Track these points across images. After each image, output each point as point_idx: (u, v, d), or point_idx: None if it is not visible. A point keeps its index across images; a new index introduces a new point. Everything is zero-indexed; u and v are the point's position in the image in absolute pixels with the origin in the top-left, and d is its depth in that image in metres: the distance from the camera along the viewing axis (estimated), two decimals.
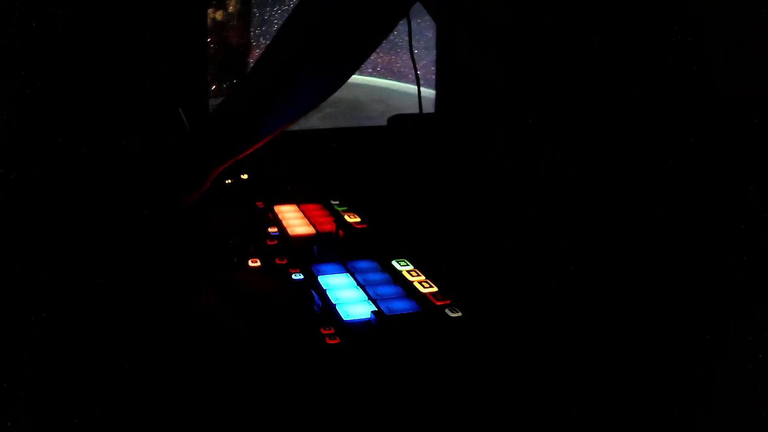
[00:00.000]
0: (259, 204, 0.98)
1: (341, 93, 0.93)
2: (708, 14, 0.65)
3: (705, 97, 0.66)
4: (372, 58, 0.94)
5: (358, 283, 0.72)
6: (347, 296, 0.69)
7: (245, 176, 1.08)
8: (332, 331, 0.62)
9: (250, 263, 0.77)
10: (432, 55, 1.52)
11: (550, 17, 0.72)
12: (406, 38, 1.21)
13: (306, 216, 0.94)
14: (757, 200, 0.63)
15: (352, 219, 0.89)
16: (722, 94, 0.65)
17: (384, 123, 1.36)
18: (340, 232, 0.87)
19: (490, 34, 0.78)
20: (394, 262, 0.77)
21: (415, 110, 1.29)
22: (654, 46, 0.68)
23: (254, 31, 1.46)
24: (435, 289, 0.71)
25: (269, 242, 0.83)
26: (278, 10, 1.50)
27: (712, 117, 0.66)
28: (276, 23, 1.44)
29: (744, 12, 0.63)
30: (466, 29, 0.81)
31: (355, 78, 0.98)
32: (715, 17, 0.65)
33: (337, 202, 0.97)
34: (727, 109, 0.65)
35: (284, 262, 0.78)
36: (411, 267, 0.76)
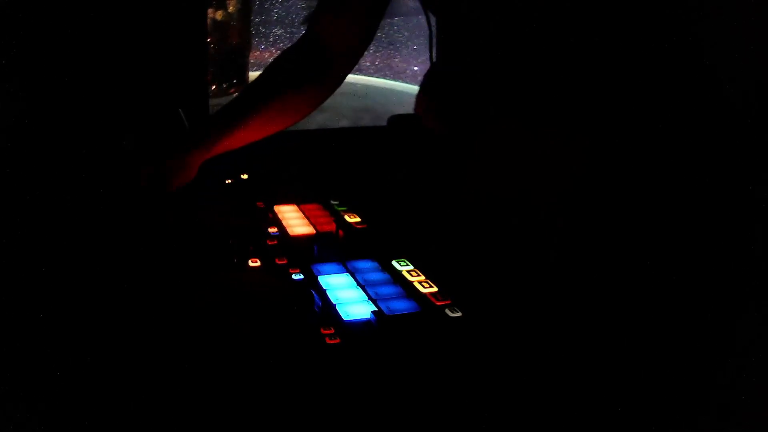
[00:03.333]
0: (259, 204, 0.98)
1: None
2: (708, 14, 0.65)
3: (705, 97, 0.66)
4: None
5: (358, 283, 0.72)
6: (347, 296, 0.69)
7: (245, 176, 1.08)
8: (332, 331, 0.62)
9: (250, 263, 0.77)
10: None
11: (551, 18, 0.72)
12: (406, 34, 1.21)
13: (306, 216, 0.94)
14: (758, 199, 0.63)
15: (352, 219, 0.89)
16: (722, 94, 0.65)
17: (384, 123, 1.36)
18: (340, 232, 0.87)
19: (486, 36, 0.78)
20: (394, 262, 0.77)
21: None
22: (655, 46, 0.68)
23: (254, 19, 1.46)
24: (435, 289, 0.71)
25: (269, 242, 0.83)
26: None
27: (712, 117, 0.66)
28: (276, 12, 1.44)
29: (744, 12, 0.63)
30: (462, 32, 0.81)
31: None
32: (715, 17, 0.65)
33: (337, 202, 0.97)
34: (727, 109, 0.65)
35: (284, 262, 0.78)
36: (411, 267, 0.76)
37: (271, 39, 1.44)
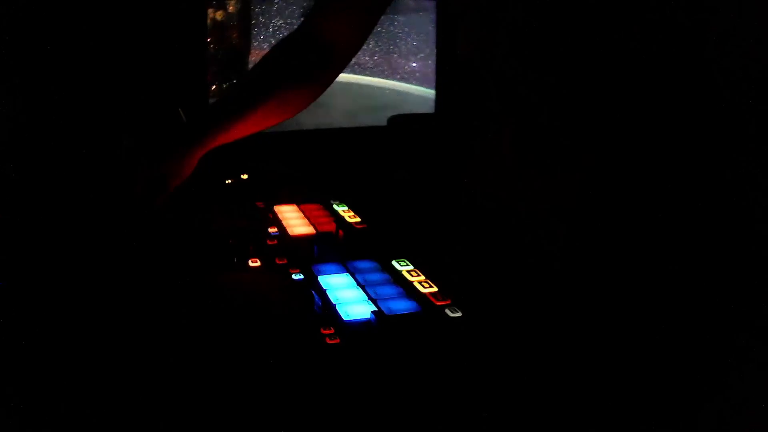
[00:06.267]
0: (259, 204, 0.98)
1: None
2: (709, 15, 0.65)
3: (706, 100, 0.66)
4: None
5: (358, 283, 0.72)
6: (347, 296, 0.69)
7: (245, 176, 1.08)
8: (332, 331, 0.62)
9: (250, 263, 0.77)
10: (432, 47, 1.51)
11: (552, 17, 0.72)
12: (405, 29, 1.21)
13: (306, 216, 0.94)
14: (757, 201, 0.63)
15: (352, 219, 0.89)
16: (724, 96, 0.65)
17: (384, 123, 1.36)
18: (340, 232, 0.87)
19: (501, 33, 0.78)
20: (394, 262, 0.77)
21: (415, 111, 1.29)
22: (656, 48, 0.68)
23: (254, 9, 1.46)
24: (435, 289, 0.71)
25: (269, 242, 0.83)
26: None
27: (713, 121, 0.66)
28: (276, 3, 1.44)
29: (744, 13, 0.63)
30: (476, 26, 0.81)
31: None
32: (716, 18, 0.65)
33: (337, 202, 0.97)
34: (729, 113, 0.65)
35: (284, 262, 0.78)
36: (411, 267, 0.76)
37: (271, 29, 1.44)
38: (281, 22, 1.37)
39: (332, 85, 0.96)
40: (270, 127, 0.91)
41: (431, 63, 1.53)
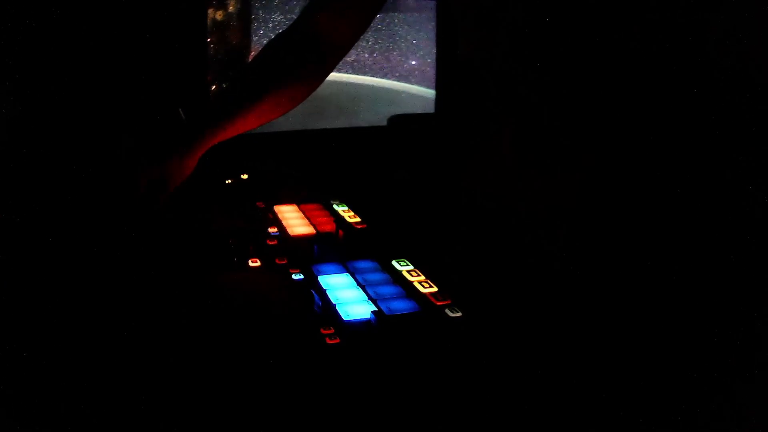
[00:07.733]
0: (259, 204, 0.98)
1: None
2: (709, 15, 0.65)
3: (706, 98, 0.66)
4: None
5: (358, 283, 0.72)
6: (347, 296, 0.69)
7: (245, 176, 1.08)
8: (332, 331, 0.62)
9: (250, 263, 0.77)
10: (432, 45, 1.51)
11: (556, 19, 0.72)
12: (406, 27, 1.21)
13: (306, 216, 0.94)
14: (757, 201, 0.63)
15: (352, 219, 0.89)
16: (725, 97, 0.65)
17: (384, 123, 1.36)
18: (340, 232, 0.87)
19: (501, 33, 0.78)
20: (394, 262, 0.77)
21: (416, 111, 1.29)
22: (657, 49, 0.68)
23: (254, 4, 1.46)
24: (435, 289, 0.71)
25: (269, 242, 0.83)
26: None
27: (714, 119, 0.66)
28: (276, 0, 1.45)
29: (744, 13, 0.63)
30: (476, 26, 0.81)
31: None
32: (716, 18, 0.65)
33: (337, 202, 0.97)
34: (730, 113, 0.65)
35: (284, 262, 0.78)
36: (411, 267, 0.76)
37: (270, 25, 1.45)
38: (281, 17, 1.37)
39: (333, 86, 0.96)
40: (266, 123, 0.92)
41: (431, 62, 1.53)
